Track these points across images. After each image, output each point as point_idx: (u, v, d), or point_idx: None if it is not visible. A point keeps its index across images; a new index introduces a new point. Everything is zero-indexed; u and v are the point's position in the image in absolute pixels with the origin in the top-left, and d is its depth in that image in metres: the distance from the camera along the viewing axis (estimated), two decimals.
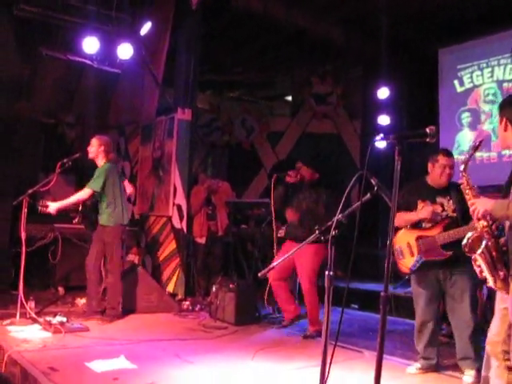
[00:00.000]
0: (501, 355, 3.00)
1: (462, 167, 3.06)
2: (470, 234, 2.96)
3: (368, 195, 2.98)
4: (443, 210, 4.44)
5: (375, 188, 2.91)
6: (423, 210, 4.44)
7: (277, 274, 6.08)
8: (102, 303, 6.38)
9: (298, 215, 5.97)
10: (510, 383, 2.97)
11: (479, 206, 2.89)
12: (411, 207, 4.57)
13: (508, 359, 2.96)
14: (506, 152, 8.08)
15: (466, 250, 2.94)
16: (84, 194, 6.18)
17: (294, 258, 5.81)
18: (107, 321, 6.14)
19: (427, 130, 2.39)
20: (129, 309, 6.67)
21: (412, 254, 4.47)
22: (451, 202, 4.43)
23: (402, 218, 4.53)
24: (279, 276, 6.15)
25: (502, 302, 3.00)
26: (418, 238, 4.43)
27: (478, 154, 8.72)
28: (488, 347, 3.10)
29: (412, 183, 4.80)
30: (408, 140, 2.38)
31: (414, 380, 4.50)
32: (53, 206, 6.13)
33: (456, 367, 4.58)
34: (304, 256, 5.78)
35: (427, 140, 2.40)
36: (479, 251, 2.85)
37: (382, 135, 2.46)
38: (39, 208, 6.12)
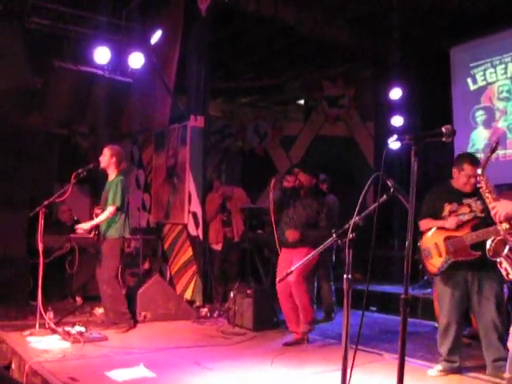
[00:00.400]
0: None
1: (479, 171, 3.02)
2: (492, 238, 2.93)
3: (384, 197, 2.94)
4: (471, 210, 4.39)
5: (391, 189, 2.87)
6: (449, 220, 4.40)
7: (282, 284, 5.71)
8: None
9: (294, 221, 5.80)
10: None
11: (500, 209, 2.85)
12: (438, 212, 4.53)
13: None
14: None
15: (491, 254, 2.91)
16: (111, 211, 6.16)
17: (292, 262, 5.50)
18: (124, 329, 6.14)
19: (443, 129, 2.35)
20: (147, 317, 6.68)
21: (440, 255, 4.42)
22: (479, 202, 4.37)
23: (428, 224, 4.53)
24: (285, 285, 5.70)
25: None
26: (446, 239, 4.38)
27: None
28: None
29: (437, 188, 4.76)
30: (424, 140, 2.34)
31: (437, 382, 4.45)
32: (84, 228, 6.18)
33: (479, 369, 4.53)
34: (297, 257, 5.49)
35: (443, 139, 2.37)
36: (504, 254, 2.81)
37: (397, 136, 2.42)
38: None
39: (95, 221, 6.20)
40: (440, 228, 4.48)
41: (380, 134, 10.76)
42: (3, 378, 3.92)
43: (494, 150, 3.03)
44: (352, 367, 2.85)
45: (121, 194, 6.19)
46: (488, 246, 2.91)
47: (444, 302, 4.60)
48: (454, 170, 4.55)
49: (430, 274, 4.67)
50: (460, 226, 4.37)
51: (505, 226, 2.86)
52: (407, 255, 2.15)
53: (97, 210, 6.34)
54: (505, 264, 2.86)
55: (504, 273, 2.90)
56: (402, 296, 2.17)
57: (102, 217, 6.18)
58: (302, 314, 5.73)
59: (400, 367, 2.13)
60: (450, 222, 4.40)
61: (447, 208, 4.48)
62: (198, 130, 8.06)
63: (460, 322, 4.55)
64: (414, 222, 2.21)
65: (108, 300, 6.27)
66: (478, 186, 3.06)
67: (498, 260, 2.89)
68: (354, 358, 2.81)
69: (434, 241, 4.48)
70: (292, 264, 5.41)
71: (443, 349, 4.57)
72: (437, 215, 4.54)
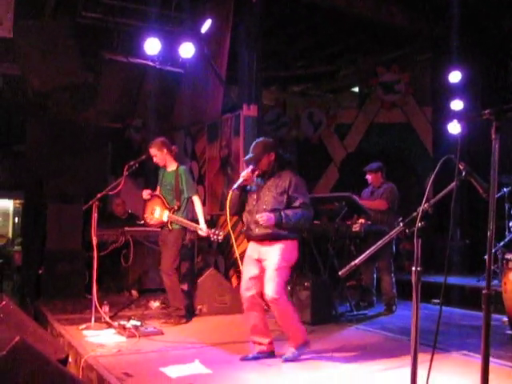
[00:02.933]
0: None
1: None
2: None
3: (456, 182, 2.69)
4: None
5: (463, 173, 2.62)
6: None
7: (253, 285, 4.74)
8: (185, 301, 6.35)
9: (258, 206, 4.76)
10: None
11: None
12: None
13: None
14: None
15: None
16: (199, 201, 6.32)
17: (261, 260, 4.73)
18: (172, 323, 6.09)
19: None
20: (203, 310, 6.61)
21: None
22: None
23: None
24: (256, 287, 4.73)
25: None
26: None
27: None
28: None
29: None
30: (508, 114, 2.08)
31: None
32: (205, 229, 6.22)
33: None
34: (271, 255, 4.66)
35: None
36: None
37: (475, 113, 2.16)
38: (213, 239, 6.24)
39: (201, 218, 6.28)
40: None
41: (439, 118, 10.37)
42: (61, 373, 3.86)
43: None
44: (430, 367, 2.62)
45: (192, 182, 6.33)
46: None
47: None
48: None
49: None
50: None
51: None
52: (489, 248, 1.91)
53: (176, 204, 6.22)
54: None
55: None
56: (484, 291, 1.93)
57: (200, 210, 6.30)
58: (291, 335, 4.77)
59: (484, 370, 1.90)
60: None
61: None
62: (251, 119, 7.90)
63: None
64: (494, 208, 1.96)
65: (169, 291, 6.25)
66: None
67: None
68: (431, 359, 2.59)
69: None
70: (263, 264, 4.68)
71: None
72: None
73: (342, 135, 11.88)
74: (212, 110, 8.83)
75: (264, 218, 4.55)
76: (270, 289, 4.56)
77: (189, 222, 6.17)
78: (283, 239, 4.66)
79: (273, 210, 4.61)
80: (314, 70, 12.40)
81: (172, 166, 6.34)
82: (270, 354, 4.72)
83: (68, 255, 7.66)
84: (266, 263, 4.67)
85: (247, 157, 4.85)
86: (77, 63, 8.02)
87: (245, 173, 4.76)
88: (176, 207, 6.19)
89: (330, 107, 12.29)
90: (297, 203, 4.66)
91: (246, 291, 4.74)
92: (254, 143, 4.88)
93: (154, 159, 6.31)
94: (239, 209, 4.90)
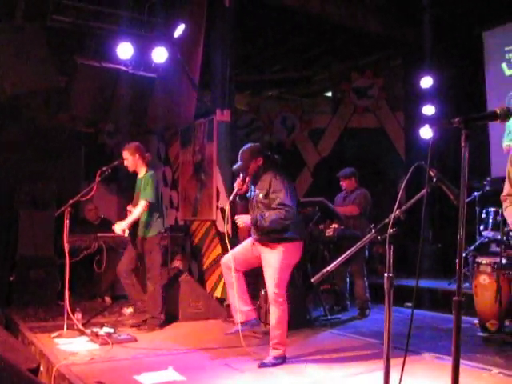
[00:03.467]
0: None
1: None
2: None
3: (427, 188, 2.72)
4: None
5: (434, 180, 2.65)
6: None
7: (232, 261, 4.93)
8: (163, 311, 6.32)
9: (249, 224, 4.90)
10: None
11: None
12: None
13: None
14: None
15: None
16: (143, 206, 6.10)
17: (260, 257, 4.88)
18: (145, 330, 6.06)
19: (498, 110, 2.12)
20: (175, 316, 6.56)
21: None
22: None
23: None
24: (236, 264, 4.95)
25: None
26: None
27: None
28: None
29: None
30: (476, 123, 2.11)
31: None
32: (122, 227, 6.08)
33: None
34: (271, 255, 4.78)
35: (498, 121, 2.14)
36: None
37: (445, 121, 2.17)
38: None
39: (130, 218, 6.11)
40: None
41: (410, 123, 10.47)
42: (31, 382, 3.81)
43: None
44: (402, 370, 2.64)
45: (152, 189, 6.12)
46: None
47: None
48: None
49: None
50: None
51: None
52: (459, 252, 1.93)
53: (130, 208, 6.24)
54: None
55: None
56: (455, 298, 1.94)
57: (136, 213, 6.11)
58: (277, 341, 4.79)
59: (454, 377, 1.92)
60: None
61: None
62: (224, 124, 7.89)
63: None
64: (464, 214, 1.98)
65: (149, 298, 6.22)
66: None
67: None
68: (404, 360, 2.60)
69: None
70: (262, 262, 4.83)
71: None
72: None
73: (315, 140, 11.95)
74: (185, 115, 8.78)
75: (240, 220, 4.81)
76: (272, 285, 4.72)
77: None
78: (284, 242, 4.74)
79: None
80: (288, 74, 12.44)
81: (141, 173, 6.31)
82: (256, 321, 5.04)
83: (40, 262, 7.56)
84: (265, 262, 4.81)
85: (235, 166, 4.99)
86: (49, 67, 7.91)
87: (236, 183, 4.91)
88: (128, 213, 6.22)
89: (303, 112, 12.34)
90: (274, 204, 4.70)
91: (227, 260, 5.00)
92: (240, 151, 4.98)
93: (125, 162, 6.27)
94: (243, 212, 5.03)
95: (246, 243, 5.08)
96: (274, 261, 4.73)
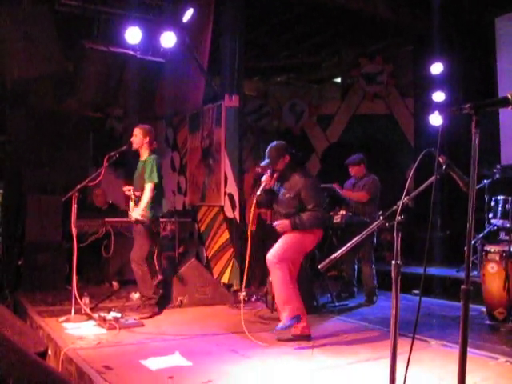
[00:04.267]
0: None
1: None
2: None
3: (435, 175, 2.69)
4: None
5: (444, 167, 2.62)
6: None
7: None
8: (157, 290, 6.33)
9: (280, 213, 5.28)
10: None
11: None
12: None
13: None
14: None
15: None
16: (150, 189, 6.07)
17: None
18: (147, 313, 6.05)
19: (509, 96, 2.08)
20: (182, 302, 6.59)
21: None
22: None
23: None
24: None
25: None
26: None
27: None
28: None
29: None
30: (487, 109, 2.06)
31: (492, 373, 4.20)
32: (137, 214, 6.05)
33: None
34: (288, 234, 5.14)
35: (510, 108, 2.10)
36: None
37: (456, 107, 2.13)
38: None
39: (142, 204, 6.07)
40: None
41: (420, 110, 10.41)
42: (40, 366, 3.83)
43: None
44: (409, 357, 2.62)
45: (156, 171, 6.10)
46: None
47: None
48: None
49: None
50: None
51: None
52: (468, 241, 1.90)
53: (136, 193, 6.20)
54: None
55: None
56: (463, 286, 1.92)
57: (145, 197, 6.06)
58: (282, 307, 5.05)
59: (461, 365, 1.90)
60: None
61: None
62: (232, 110, 7.86)
63: None
64: (474, 202, 1.95)
65: (138, 282, 6.23)
66: None
67: None
68: (411, 348, 2.58)
69: None
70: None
71: None
72: None
73: (324, 126, 11.90)
74: (193, 101, 8.77)
75: (280, 225, 5.16)
76: (272, 253, 5.07)
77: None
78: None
79: (287, 213, 5.15)
80: (297, 60, 12.37)
81: (144, 156, 6.29)
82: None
83: (48, 246, 7.57)
84: (282, 238, 5.18)
85: (263, 163, 5.27)
86: (57, 52, 7.91)
87: (264, 178, 5.19)
88: (135, 197, 6.15)
89: (312, 98, 12.28)
90: (309, 206, 5.08)
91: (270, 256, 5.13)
92: (267, 149, 5.27)
93: (132, 138, 6.25)
94: (268, 205, 5.50)
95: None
96: (289, 238, 5.09)
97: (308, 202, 5.09)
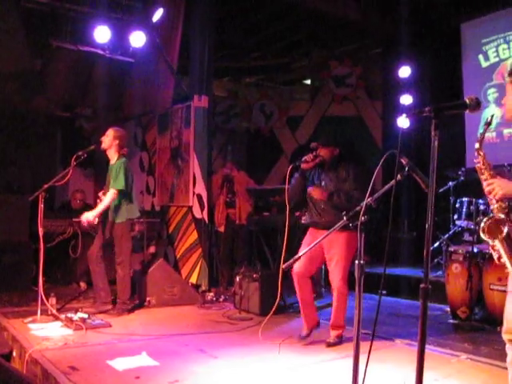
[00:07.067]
0: None
1: (477, 145, 2.72)
2: (485, 219, 2.64)
3: (399, 177, 2.74)
4: None
5: (406, 169, 2.68)
6: None
7: (302, 268, 5.08)
8: (112, 293, 6.31)
9: (325, 197, 5.05)
10: None
11: (497, 187, 2.59)
12: None
13: None
14: None
15: (486, 236, 2.61)
16: (112, 195, 6.07)
17: (323, 249, 5.01)
18: (115, 315, 6.04)
19: (467, 100, 2.13)
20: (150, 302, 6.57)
21: None
22: None
23: None
24: (305, 270, 5.12)
25: None
26: None
27: (506, 130, 8.42)
28: (504, 336, 2.78)
29: None
30: (446, 112, 2.12)
31: (452, 370, 4.29)
32: (90, 217, 6.05)
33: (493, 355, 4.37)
34: (335, 245, 4.92)
35: (467, 111, 2.16)
36: (501, 237, 2.55)
37: (413, 110, 2.18)
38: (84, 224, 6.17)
39: (99, 208, 6.08)
40: None
41: (388, 113, 10.54)
42: (3, 368, 3.78)
43: (489, 124, 2.70)
44: (369, 355, 2.66)
45: (123, 177, 6.07)
46: (483, 225, 2.60)
47: None
48: None
49: None
50: None
51: (500, 204, 2.59)
52: (427, 240, 1.95)
53: (101, 195, 6.21)
54: (498, 247, 2.58)
55: (495, 256, 2.62)
56: (422, 285, 1.97)
57: (105, 202, 6.08)
58: (338, 324, 5.11)
59: (419, 363, 1.95)
60: None
61: None
62: (202, 110, 7.86)
63: None
64: (433, 203, 2.00)
65: (119, 284, 6.20)
66: (475, 160, 2.73)
67: (492, 242, 2.59)
68: (370, 346, 2.62)
69: None
70: (324, 249, 5.01)
71: None
72: None
73: (293, 127, 11.96)
74: (163, 101, 8.74)
75: (315, 191, 4.98)
76: (337, 276, 4.94)
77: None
78: (346, 230, 4.54)
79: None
80: (267, 61, 12.41)
81: (113, 159, 6.29)
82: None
83: (14, 246, 7.48)
84: (331, 253, 4.97)
85: (315, 143, 5.08)
86: (24, 50, 7.81)
87: (307, 156, 4.98)
88: (99, 200, 6.21)
89: (282, 99, 12.34)
90: (354, 187, 4.90)
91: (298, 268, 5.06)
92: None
93: (103, 138, 6.25)
94: (299, 199, 5.25)
95: (305, 243, 5.09)
96: (340, 251, 4.91)
97: (353, 188, 4.90)
